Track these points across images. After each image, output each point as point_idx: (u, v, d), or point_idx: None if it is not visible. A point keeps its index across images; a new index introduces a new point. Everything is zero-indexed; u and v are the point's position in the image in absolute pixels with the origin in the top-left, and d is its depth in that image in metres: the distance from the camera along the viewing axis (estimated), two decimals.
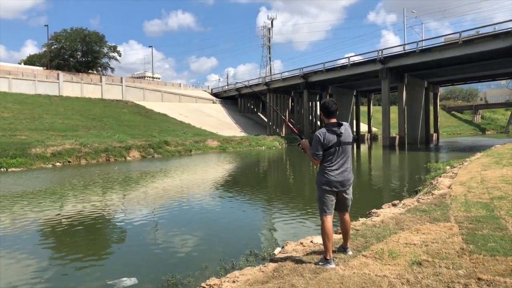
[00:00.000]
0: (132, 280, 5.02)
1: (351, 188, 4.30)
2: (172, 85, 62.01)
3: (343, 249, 4.44)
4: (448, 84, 60.51)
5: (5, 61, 58.48)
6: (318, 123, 55.96)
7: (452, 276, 3.48)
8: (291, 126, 5.33)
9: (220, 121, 51.12)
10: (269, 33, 78.61)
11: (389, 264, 3.88)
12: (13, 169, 19.62)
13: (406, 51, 35.73)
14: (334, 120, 4.19)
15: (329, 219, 4.11)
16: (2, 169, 19.35)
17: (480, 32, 31.64)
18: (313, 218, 8.47)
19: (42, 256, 6.42)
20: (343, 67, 41.99)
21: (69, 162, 22.73)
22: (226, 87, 66.64)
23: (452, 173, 11.73)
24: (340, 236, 4.75)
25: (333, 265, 3.98)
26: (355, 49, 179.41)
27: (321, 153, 4.12)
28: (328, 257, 4.04)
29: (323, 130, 4.15)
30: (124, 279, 5.05)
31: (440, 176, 11.38)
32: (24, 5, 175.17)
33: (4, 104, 34.90)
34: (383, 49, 37.86)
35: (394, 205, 7.78)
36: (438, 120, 53.28)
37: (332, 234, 4.17)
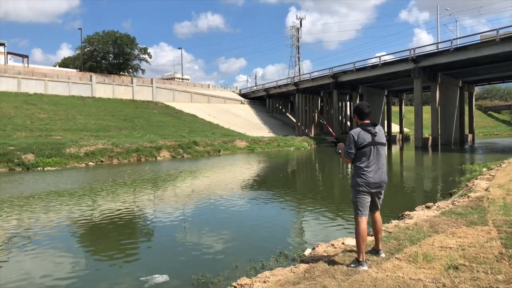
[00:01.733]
0: (164, 277, 5.09)
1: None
2: (201, 86, 62.74)
3: (375, 251, 4.37)
4: (485, 83, 58.49)
5: (41, 64, 60.90)
6: (348, 123, 55.30)
7: (491, 281, 3.35)
8: (331, 130, 5.42)
9: (248, 122, 51.28)
10: (298, 33, 78.38)
11: (423, 268, 3.78)
12: (49, 168, 20.33)
13: (439, 49, 34.77)
14: (368, 121, 4.19)
15: (364, 221, 4.09)
16: (38, 168, 20.08)
17: None
18: (343, 219, 8.36)
19: (76, 252, 6.62)
20: (373, 66, 41.29)
21: (101, 161, 23.35)
22: (255, 87, 66.85)
23: (489, 175, 11.33)
24: (372, 238, 4.66)
25: (365, 267, 3.94)
26: (387, 49, 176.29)
27: (354, 151, 4.12)
28: (361, 259, 4.02)
29: (358, 129, 4.16)
30: (156, 275, 5.14)
31: (476, 178, 11.00)
32: (59, 10, 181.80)
33: (41, 105, 36.25)
34: (416, 48, 36.99)
35: (428, 207, 7.57)
36: (474, 120, 51.54)
37: (366, 236, 4.14)
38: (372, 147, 4.10)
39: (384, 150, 4.21)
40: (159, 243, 7.15)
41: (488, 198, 7.12)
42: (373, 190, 4.13)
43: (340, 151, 4.37)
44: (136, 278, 5.19)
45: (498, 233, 4.78)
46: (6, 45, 52.98)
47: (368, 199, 4.14)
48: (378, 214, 4.34)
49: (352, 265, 4.03)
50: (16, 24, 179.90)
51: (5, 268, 5.76)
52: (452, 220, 5.68)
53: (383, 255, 4.28)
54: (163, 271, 5.32)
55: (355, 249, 4.38)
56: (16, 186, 14.26)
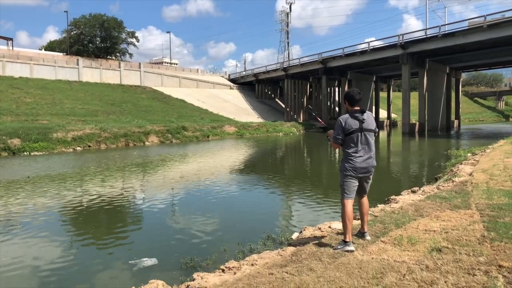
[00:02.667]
0: (153, 260, 5.16)
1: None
2: (189, 71, 62.11)
3: (361, 234, 4.47)
4: (471, 70, 59.00)
5: (27, 47, 59.57)
6: (337, 109, 55.48)
7: (473, 263, 3.45)
8: (320, 120, 5.48)
9: (237, 107, 51.11)
10: (287, 18, 77.78)
11: (408, 250, 3.87)
12: (36, 153, 20.09)
13: (428, 35, 34.88)
14: (357, 108, 4.27)
15: (350, 203, 4.21)
16: (25, 153, 19.84)
17: (506, 16, 30.63)
18: (330, 204, 8.46)
19: (66, 237, 6.61)
20: (362, 52, 41.28)
21: (89, 146, 23.14)
22: (244, 72, 66.42)
23: (474, 160, 11.52)
24: (359, 222, 4.77)
25: (352, 247, 4.05)
26: (376, 34, 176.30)
27: (341, 137, 4.22)
28: (347, 239, 4.12)
29: (346, 115, 4.26)
30: (144, 259, 5.19)
31: (461, 163, 11.19)
32: None
33: (26, 89, 35.59)
34: (404, 34, 37.06)
35: (413, 191, 7.71)
36: (460, 106, 52.09)
37: (352, 217, 4.25)
38: (359, 133, 4.17)
39: (372, 136, 4.28)
40: (149, 227, 7.17)
41: (471, 183, 7.26)
42: (360, 175, 4.23)
43: (329, 138, 4.48)
44: (125, 262, 5.23)
45: (480, 217, 4.89)
46: None
47: (355, 183, 4.24)
48: (365, 198, 4.47)
49: (338, 247, 4.12)
50: (0, 6, 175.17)
51: None
52: (437, 204, 5.79)
53: (368, 237, 4.38)
54: (152, 254, 5.36)
55: (341, 232, 4.49)
56: (2, 171, 14.09)
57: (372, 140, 4.28)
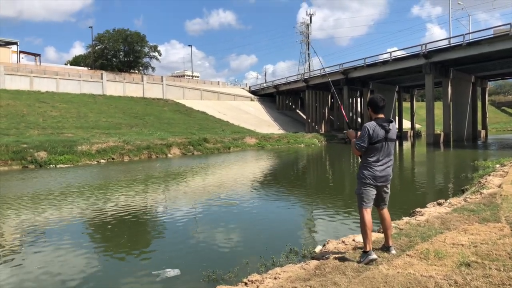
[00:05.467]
0: (176, 271, 5.16)
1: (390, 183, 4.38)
2: (210, 83, 62.83)
3: (386, 248, 4.36)
4: (498, 78, 57.61)
5: (54, 62, 61.61)
6: (359, 120, 54.94)
7: (503, 278, 3.32)
8: (344, 114, 5.36)
9: (258, 119, 51.26)
10: (308, 29, 77.98)
11: (435, 265, 3.75)
12: (61, 165, 20.56)
13: (451, 44, 34.30)
14: (382, 116, 4.24)
15: (369, 212, 4.17)
16: (51, 165, 20.33)
17: None
18: (354, 216, 8.33)
19: (89, 247, 6.69)
20: (384, 62, 40.93)
21: (113, 159, 23.54)
22: (264, 84, 66.70)
23: (503, 171, 11.18)
24: (382, 235, 4.68)
25: (374, 256, 3.99)
26: (398, 44, 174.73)
27: (366, 145, 4.15)
28: (367, 249, 4.06)
29: (373, 123, 4.18)
30: (167, 270, 5.21)
31: (489, 175, 10.87)
32: (73, 8, 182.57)
33: (52, 103, 36.65)
34: (427, 43, 36.58)
35: (439, 204, 7.51)
36: (487, 116, 50.86)
37: (372, 226, 4.21)
38: (384, 143, 4.15)
39: (393, 145, 4.28)
40: (171, 239, 7.20)
41: (501, 195, 7.04)
42: (379, 184, 4.20)
43: (347, 138, 4.49)
44: (148, 272, 5.27)
45: (511, 230, 4.72)
46: (18, 44, 53.66)
47: (373, 192, 4.20)
48: (386, 211, 4.37)
49: (362, 259, 4.05)
50: (30, 23, 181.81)
51: (24, 262, 5.86)
52: (464, 217, 5.63)
53: (393, 251, 4.27)
54: (175, 266, 5.38)
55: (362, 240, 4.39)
56: (33, 183, 14.47)
57: (393, 149, 4.28)
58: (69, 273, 5.43)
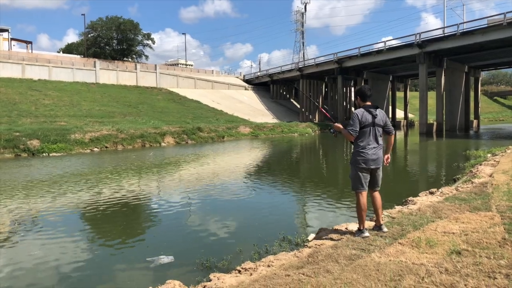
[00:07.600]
0: (169, 258, 5.23)
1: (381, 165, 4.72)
2: (205, 72, 62.46)
3: (377, 227, 4.69)
4: (491, 68, 57.90)
5: (47, 49, 60.95)
6: (353, 109, 55.01)
7: (493, 266, 3.38)
8: (325, 112, 5.62)
9: (252, 108, 51.16)
10: (303, 18, 77.57)
11: (426, 253, 3.81)
12: (54, 154, 20.44)
13: (445, 34, 34.36)
14: (369, 103, 4.61)
15: (364, 195, 4.57)
16: (44, 154, 20.20)
17: None
18: (347, 205, 8.40)
19: (84, 236, 6.70)
20: (378, 51, 40.89)
21: (106, 147, 23.44)
22: (259, 73, 66.46)
23: (494, 161, 11.30)
24: (374, 224, 4.90)
25: (367, 234, 4.47)
26: (394, 33, 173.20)
27: (358, 129, 4.49)
28: (362, 228, 4.54)
29: (361, 109, 4.56)
30: (161, 256, 5.27)
31: (480, 164, 10.98)
32: None
33: (45, 91, 36.30)
34: (421, 32, 36.56)
35: (431, 193, 7.58)
36: (479, 106, 51.17)
37: (366, 208, 4.59)
38: (371, 127, 4.50)
39: (381, 131, 4.60)
40: (165, 227, 7.22)
41: (492, 184, 7.12)
42: (372, 166, 4.52)
43: (333, 130, 4.78)
44: (143, 258, 5.31)
45: (501, 219, 4.79)
46: (10, 31, 52.88)
47: (367, 175, 4.57)
48: (377, 193, 4.72)
49: (356, 235, 4.51)
50: (23, 10, 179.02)
51: (18, 250, 5.86)
52: (456, 206, 5.69)
53: (385, 229, 4.61)
54: (168, 252, 5.42)
55: (357, 219, 4.77)
56: (26, 171, 14.38)
57: (380, 134, 4.59)
58: (64, 260, 5.44)
